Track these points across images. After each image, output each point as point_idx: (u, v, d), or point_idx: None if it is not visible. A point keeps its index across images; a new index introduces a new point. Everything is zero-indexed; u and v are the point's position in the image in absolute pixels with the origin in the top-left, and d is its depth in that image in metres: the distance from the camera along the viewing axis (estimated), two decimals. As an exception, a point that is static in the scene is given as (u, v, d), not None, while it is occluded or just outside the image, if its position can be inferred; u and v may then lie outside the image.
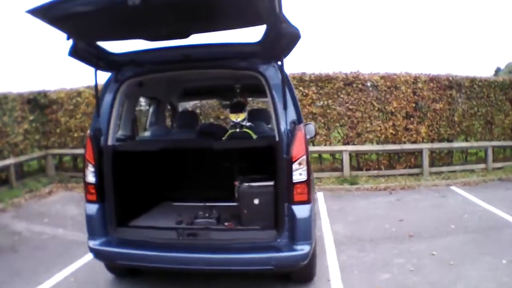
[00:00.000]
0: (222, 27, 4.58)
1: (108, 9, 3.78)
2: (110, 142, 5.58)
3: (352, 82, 13.63)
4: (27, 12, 3.72)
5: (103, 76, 5.76)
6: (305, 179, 4.98)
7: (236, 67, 5.48)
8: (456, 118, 14.29)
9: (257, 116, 7.21)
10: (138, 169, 6.34)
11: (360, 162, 14.22)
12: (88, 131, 5.68)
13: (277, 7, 3.94)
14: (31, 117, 14.23)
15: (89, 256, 6.91)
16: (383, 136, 13.70)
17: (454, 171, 14.00)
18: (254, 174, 5.89)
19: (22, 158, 13.69)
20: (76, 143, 14.70)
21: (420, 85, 13.80)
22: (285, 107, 5.10)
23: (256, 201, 5.54)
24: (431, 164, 14.00)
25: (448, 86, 14.12)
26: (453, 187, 12.08)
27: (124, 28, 4.46)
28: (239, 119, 6.43)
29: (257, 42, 4.99)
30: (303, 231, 4.97)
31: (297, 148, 4.94)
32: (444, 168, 14.13)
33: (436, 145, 14.07)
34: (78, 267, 6.82)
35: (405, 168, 13.99)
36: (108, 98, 5.62)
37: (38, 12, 3.79)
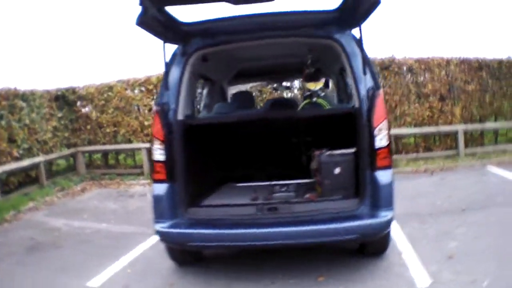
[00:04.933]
0: None
1: None
2: (180, 116, 5.34)
3: (388, 66, 13.63)
4: None
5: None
6: (386, 144, 4.89)
7: (312, 35, 5.34)
8: (487, 99, 14.28)
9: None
10: (206, 147, 6.12)
11: (399, 145, 14.09)
12: (154, 107, 5.41)
13: None
14: (59, 114, 14.10)
15: (143, 246, 6.89)
16: (420, 118, 13.71)
17: (487, 152, 13.89)
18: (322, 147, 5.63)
19: (52, 156, 13.50)
20: (109, 138, 14.57)
21: (452, 67, 13.86)
22: (364, 73, 4.97)
23: (337, 170, 5.34)
24: (465, 146, 13.92)
25: (478, 68, 14.17)
26: (489, 167, 11.99)
27: None
28: (317, 88, 6.25)
29: (334, 9, 4.88)
30: (387, 197, 4.91)
31: (379, 113, 4.84)
32: (478, 149, 14.05)
33: (471, 126, 14.05)
34: (133, 258, 6.56)
35: (442, 150, 13.95)
36: (176, 71, 5.35)
37: None
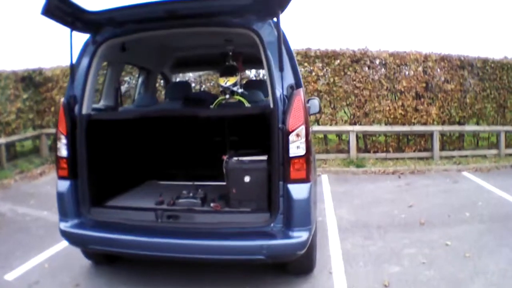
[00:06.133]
0: None
1: None
2: (85, 111, 4.93)
3: (359, 59, 13.06)
4: None
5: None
6: (303, 154, 4.28)
7: (228, 24, 4.75)
8: (468, 100, 13.70)
9: (253, 85, 6.58)
10: (118, 143, 5.70)
11: (367, 143, 13.69)
12: (62, 99, 5.03)
13: None
14: (25, 96, 13.82)
15: (67, 241, 6.56)
16: (391, 116, 13.13)
17: (465, 156, 13.46)
18: (247, 149, 5.14)
19: (14, 137, 13.34)
20: (72, 122, 14.24)
21: (430, 63, 13.23)
22: (281, 69, 4.39)
23: (246, 179, 4.80)
24: (442, 148, 13.55)
25: (460, 66, 13.55)
26: (464, 173, 11.57)
27: None
28: (228, 83, 5.68)
29: None
30: (301, 214, 4.30)
31: (295, 117, 4.24)
32: (455, 153, 13.63)
33: (447, 127, 13.55)
34: (55, 252, 6.29)
35: (414, 151, 13.47)
36: (84, 62, 4.94)
37: None
